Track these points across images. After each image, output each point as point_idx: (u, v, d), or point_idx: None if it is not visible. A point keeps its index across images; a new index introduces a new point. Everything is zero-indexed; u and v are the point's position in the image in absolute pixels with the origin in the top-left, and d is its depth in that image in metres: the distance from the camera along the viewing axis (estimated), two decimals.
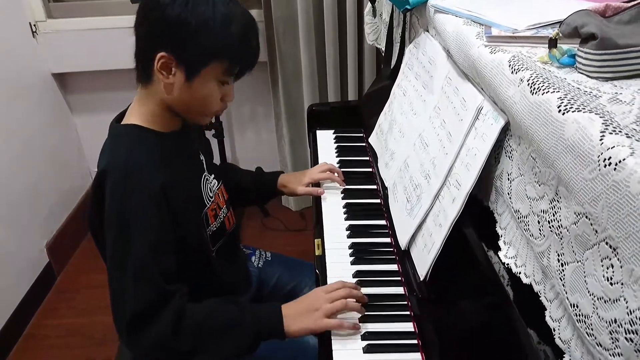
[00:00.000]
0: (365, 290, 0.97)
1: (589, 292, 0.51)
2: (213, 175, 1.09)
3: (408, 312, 0.93)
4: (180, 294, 0.91)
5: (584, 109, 0.52)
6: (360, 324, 0.90)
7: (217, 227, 1.07)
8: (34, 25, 2.08)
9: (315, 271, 1.05)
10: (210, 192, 1.06)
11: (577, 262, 0.53)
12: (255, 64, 0.96)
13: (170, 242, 0.92)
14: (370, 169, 1.34)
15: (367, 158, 1.39)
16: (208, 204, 1.04)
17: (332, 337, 0.89)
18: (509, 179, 0.72)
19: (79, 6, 2.15)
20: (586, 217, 0.50)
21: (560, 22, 0.66)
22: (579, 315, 0.52)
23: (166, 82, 0.90)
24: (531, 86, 0.61)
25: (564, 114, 0.54)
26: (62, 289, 2.10)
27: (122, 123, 0.97)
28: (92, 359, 1.78)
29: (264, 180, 1.32)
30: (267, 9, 1.97)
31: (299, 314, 0.92)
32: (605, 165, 0.46)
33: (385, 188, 1.17)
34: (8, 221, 1.87)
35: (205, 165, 1.07)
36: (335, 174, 1.29)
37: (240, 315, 0.93)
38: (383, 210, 1.18)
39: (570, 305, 0.54)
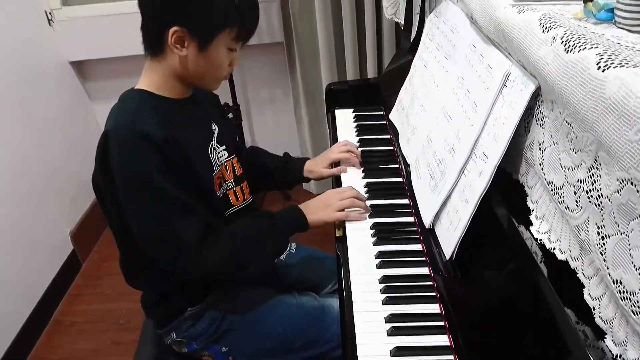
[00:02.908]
0: (389, 272, 0.93)
1: (634, 266, 0.46)
2: (224, 147, 1.10)
3: (434, 293, 0.88)
4: (218, 219, 1.01)
5: (627, 64, 0.47)
6: (383, 305, 0.87)
7: (219, 196, 1.08)
8: (50, 13, 2.07)
9: (336, 252, 1.02)
10: (218, 161, 1.07)
11: (621, 234, 0.48)
12: (257, 24, 0.99)
13: (190, 182, 0.97)
14: (391, 148, 1.29)
15: (388, 136, 1.34)
16: (215, 170, 1.06)
17: (355, 315, 0.86)
18: (540, 149, 0.67)
19: None
20: (632, 183, 0.45)
21: None
22: (623, 292, 0.48)
23: (180, 55, 0.93)
24: (565, 44, 0.56)
25: (604, 70, 0.48)
26: (87, 275, 2.13)
27: (131, 89, 1.00)
28: (118, 343, 1.80)
29: (291, 166, 1.30)
30: None
31: (316, 208, 1.07)
32: None
33: (407, 165, 1.12)
34: (31, 208, 1.88)
35: (215, 135, 1.08)
36: (353, 154, 1.26)
37: (272, 221, 1.04)
38: (405, 189, 1.13)
39: (613, 281, 0.49)
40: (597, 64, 0.50)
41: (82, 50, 2.18)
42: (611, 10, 0.59)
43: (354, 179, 1.21)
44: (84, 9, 2.11)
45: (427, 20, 1.18)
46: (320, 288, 1.27)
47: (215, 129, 1.08)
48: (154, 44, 0.95)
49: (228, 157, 1.11)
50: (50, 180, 2.01)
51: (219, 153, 1.08)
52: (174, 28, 0.90)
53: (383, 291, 0.90)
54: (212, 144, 1.06)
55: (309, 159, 1.33)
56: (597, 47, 0.52)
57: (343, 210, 1.06)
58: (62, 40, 2.12)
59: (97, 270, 2.14)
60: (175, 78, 0.98)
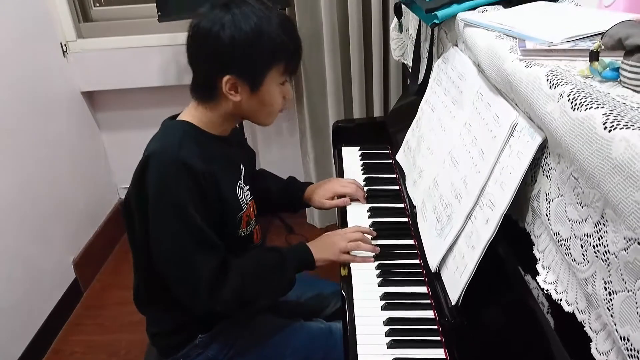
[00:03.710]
0: (394, 314, 0.93)
1: None
2: (248, 187, 1.12)
3: (439, 338, 0.88)
4: (229, 255, 1.02)
5: (633, 125, 0.48)
6: (388, 349, 0.87)
7: (246, 233, 1.11)
8: (65, 45, 2.12)
9: (341, 292, 1.02)
10: (245, 199, 1.10)
11: (628, 291, 0.49)
12: (302, 54, 1.04)
13: (217, 218, 1.01)
14: (397, 187, 1.31)
15: (394, 175, 1.35)
16: (244, 208, 1.09)
17: (359, 358, 0.86)
18: (547, 200, 0.68)
19: (108, 26, 2.19)
20: (638, 243, 0.46)
21: (599, 34, 0.62)
22: (631, 349, 0.48)
23: (235, 100, 0.98)
24: (572, 101, 0.58)
25: (610, 131, 0.50)
26: (88, 305, 2.11)
27: (175, 119, 1.04)
28: None
29: (291, 189, 1.33)
30: None
31: (323, 248, 1.10)
32: None
33: (413, 207, 1.13)
34: (36, 236, 1.89)
35: (242, 175, 1.11)
36: (359, 189, 1.28)
37: (281, 256, 1.07)
38: (411, 230, 1.14)
39: (620, 338, 0.50)
40: (603, 124, 0.51)
41: (94, 81, 2.23)
42: (616, 69, 0.60)
43: (360, 218, 1.22)
44: (98, 41, 2.16)
45: (435, 65, 1.20)
46: (322, 309, 1.29)
47: (242, 169, 1.12)
48: (206, 93, 1.00)
49: (250, 197, 1.13)
50: (56, 207, 2.02)
51: (245, 192, 1.11)
52: (226, 77, 0.95)
53: (388, 334, 0.90)
54: (239, 183, 1.09)
55: (312, 183, 1.35)
56: (603, 107, 0.53)
57: (349, 252, 1.08)
58: (75, 71, 2.17)
59: (99, 299, 2.13)
60: (225, 118, 1.03)
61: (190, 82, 1.03)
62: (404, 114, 1.41)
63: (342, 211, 1.26)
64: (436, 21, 1.06)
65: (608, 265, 0.52)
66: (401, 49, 1.61)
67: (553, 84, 0.63)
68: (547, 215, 0.68)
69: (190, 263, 0.97)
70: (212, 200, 0.98)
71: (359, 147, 1.52)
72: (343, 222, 1.22)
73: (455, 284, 0.85)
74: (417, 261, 1.05)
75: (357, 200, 1.27)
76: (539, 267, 0.70)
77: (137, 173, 0.98)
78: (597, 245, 0.55)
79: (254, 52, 0.94)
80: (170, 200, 0.94)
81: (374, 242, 1.12)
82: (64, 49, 2.12)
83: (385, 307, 0.96)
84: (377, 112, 2.07)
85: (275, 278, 1.07)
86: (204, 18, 0.95)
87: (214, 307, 1.00)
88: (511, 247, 0.79)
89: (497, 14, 0.96)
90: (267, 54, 0.96)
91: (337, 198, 1.28)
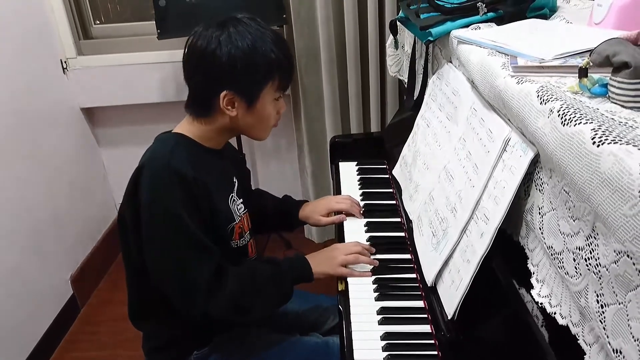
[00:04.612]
0: (390, 329, 0.93)
1: (633, 337, 0.47)
2: (241, 200, 1.13)
3: (435, 352, 0.88)
4: (226, 262, 1.02)
5: (620, 140, 0.50)
6: None
7: (239, 245, 1.11)
8: (65, 61, 2.14)
9: (338, 307, 1.02)
10: (238, 212, 1.11)
11: (619, 304, 0.49)
12: (294, 70, 1.03)
13: (210, 225, 1.01)
14: (393, 202, 1.32)
15: (391, 190, 1.36)
16: (236, 220, 1.09)
17: None
18: (540, 213, 0.69)
19: (108, 43, 2.21)
20: (627, 256, 0.47)
21: (589, 51, 0.64)
22: None
23: (232, 115, 1.01)
24: (562, 117, 0.59)
25: (598, 146, 0.51)
26: (85, 321, 2.10)
27: (167, 132, 1.06)
28: None
29: (286, 209, 1.34)
30: (289, 41, 2.00)
31: (321, 261, 1.09)
32: None
33: (409, 221, 1.14)
34: (33, 252, 1.89)
35: (235, 188, 1.12)
36: (355, 206, 1.29)
37: (278, 268, 1.07)
38: (407, 244, 1.14)
39: (613, 350, 0.50)
40: (592, 139, 0.52)
41: (93, 97, 2.24)
42: (605, 85, 0.62)
43: (357, 232, 1.22)
44: (98, 58, 2.18)
45: (430, 82, 1.22)
46: (319, 325, 1.28)
47: (235, 182, 1.13)
48: (202, 108, 1.02)
49: (244, 210, 1.14)
50: (54, 223, 2.02)
51: (238, 205, 1.12)
52: (224, 93, 0.98)
53: (385, 349, 0.90)
54: (232, 196, 1.10)
55: (307, 201, 1.36)
56: (592, 122, 0.54)
57: (347, 265, 1.08)
58: (74, 87, 2.18)
59: (96, 315, 2.12)
60: (220, 132, 1.05)
61: (186, 99, 1.05)
62: (400, 129, 1.43)
63: (340, 226, 1.26)
64: (430, 38, 1.07)
65: (600, 278, 0.53)
66: (397, 65, 1.63)
67: (543, 100, 0.64)
68: (540, 228, 0.69)
69: (185, 268, 0.97)
70: (203, 207, 0.99)
71: (356, 162, 1.53)
72: (340, 237, 1.23)
73: (451, 298, 0.85)
74: (413, 275, 1.06)
75: (353, 215, 1.27)
76: (533, 280, 0.71)
77: (130, 185, 0.99)
78: (588, 258, 0.56)
79: (250, 68, 0.97)
80: (164, 207, 0.95)
81: (371, 256, 1.12)
82: (64, 66, 2.14)
83: (382, 322, 0.96)
84: (374, 127, 2.08)
85: (273, 287, 1.06)
86: (200, 36, 0.97)
87: (210, 312, 0.99)
88: (506, 260, 0.80)
89: (489, 31, 0.98)
90: (262, 70, 0.99)
91: (334, 214, 1.28)
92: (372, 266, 1.09)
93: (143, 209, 0.96)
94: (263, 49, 0.97)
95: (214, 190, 1.02)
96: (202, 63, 0.98)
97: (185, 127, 1.05)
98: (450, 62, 1.12)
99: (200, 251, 0.98)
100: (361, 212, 1.28)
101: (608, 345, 0.51)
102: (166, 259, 0.98)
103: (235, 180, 1.13)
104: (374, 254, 1.14)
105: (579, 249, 0.58)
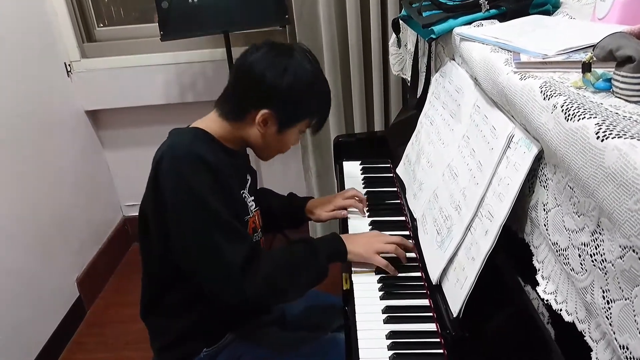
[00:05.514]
0: (396, 327, 0.93)
1: None
2: (252, 198, 1.13)
3: (441, 350, 0.88)
4: (258, 245, 1.03)
5: (625, 134, 0.49)
6: None
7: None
8: (69, 65, 2.15)
9: (343, 306, 1.02)
10: (250, 208, 1.11)
11: (625, 299, 0.49)
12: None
13: (233, 210, 0.99)
14: (398, 201, 1.31)
15: (395, 189, 1.36)
16: (250, 214, 1.09)
17: None
18: (544, 210, 0.69)
19: (111, 45, 2.22)
20: (633, 250, 0.47)
21: (592, 46, 0.63)
22: (631, 358, 0.48)
23: (260, 132, 1.02)
24: (566, 112, 0.58)
25: (602, 140, 0.50)
26: (92, 323, 2.11)
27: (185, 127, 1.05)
28: None
29: (293, 206, 1.34)
30: (292, 41, 2.00)
31: (357, 243, 1.06)
32: None
33: (414, 220, 1.13)
34: (40, 254, 1.90)
35: (248, 185, 1.13)
36: (359, 201, 1.28)
37: (312, 247, 1.05)
38: (412, 243, 1.14)
39: (620, 346, 0.50)
40: (596, 134, 0.52)
41: (98, 100, 2.25)
42: (609, 80, 0.61)
43: (361, 231, 1.22)
44: (102, 61, 2.19)
45: (433, 80, 1.22)
46: (328, 324, 1.28)
47: (248, 179, 1.14)
48: (237, 113, 1.02)
49: (256, 207, 1.15)
50: (60, 226, 2.03)
51: (249, 201, 1.12)
52: (265, 111, 0.98)
53: (390, 347, 0.90)
54: (244, 192, 1.10)
55: (312, 198, 1.36)
56: (596, 117, 0.54)
57: (382, 254, 1.05)
58: (78, 90, 2.20)
59: (102, 317, 2.13)
60: (240, 139, 1.05)
61: (220, 95, 1.06)
62: (403, 127, 1.42)
63: (344, 224, 1.26)
64: (433, 36, 1.07)
65: (605, 273, 0.53)
66: (400, 64, 1.63)
67: (547, 96, 0.64)
68: (545, 225, 0.68)
69: (219, 252, 0.95)
70: (226, 192, 0.98)
71: (360, 162, 1.53)
72: (344, 229, 1.23)
73: (456, 296, 0.85)
74: (418, 274, 1.05)
75: (356, 211, 1.27)
76: (538, 277, 0.71)
77: (150, 179, 0.98)
78: (594, 254, 0.55)
79: (303, 102, 1.00)
80: (190, 193, 0.93)
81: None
82: (68, 69, 2.15)
83: (387, 321, 0.95)
84: (378, 126, 2.08)
85: (307, 265, 1.04)
86: (260, 59, 0.98)
87: (247, 294, 0.97)
88: (511, 257, 0.79)
89: (492, 28, 0.97)
90: (311, 106, 1.02)
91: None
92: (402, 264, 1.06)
93: (168, 197, 0.94)
94: (320, 86, 1.02)
95: (231, 185, 1.02)
96: (258, 82, 0.98)
97: (208, 123, 1.04)
98: (453, 59, 1.11)
99: (231, 235, 0.96)
100: (365, 209, 1.28)
101: (615, 341, 0.50)
102: (197, 244, 0.96)
103: (248, 177, 1.14)
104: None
105: (584, 245, 0.57)
